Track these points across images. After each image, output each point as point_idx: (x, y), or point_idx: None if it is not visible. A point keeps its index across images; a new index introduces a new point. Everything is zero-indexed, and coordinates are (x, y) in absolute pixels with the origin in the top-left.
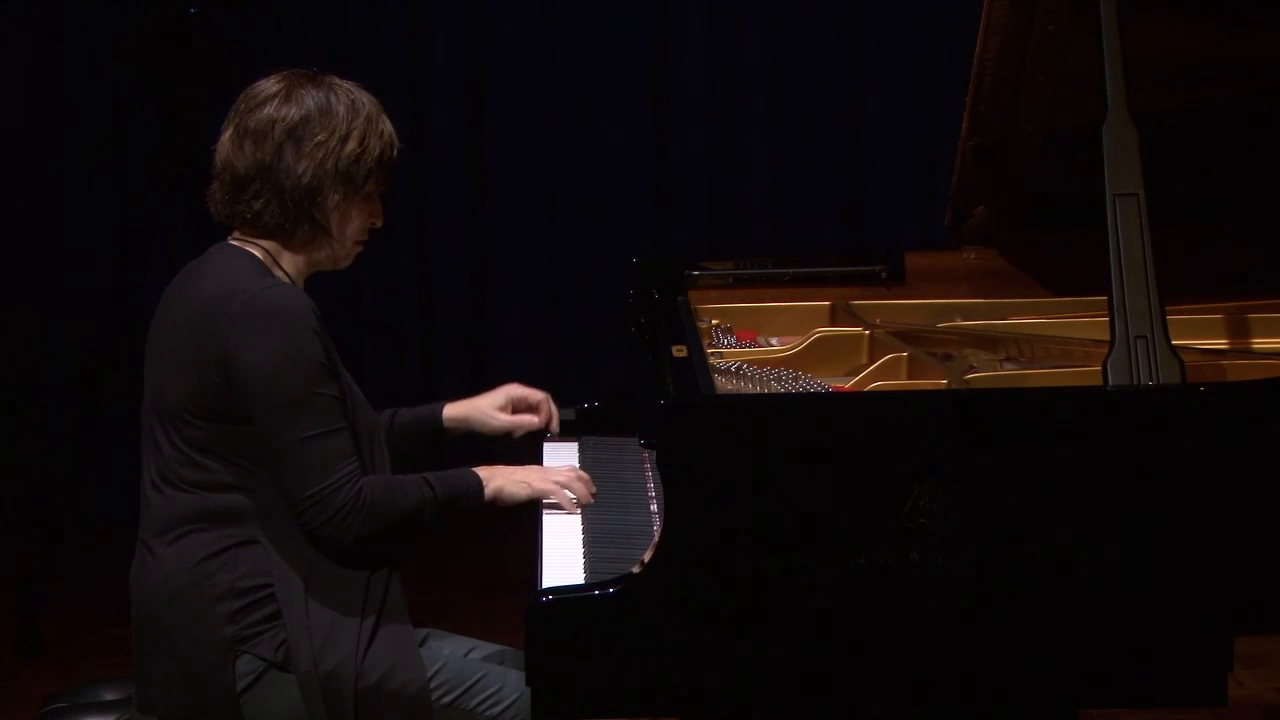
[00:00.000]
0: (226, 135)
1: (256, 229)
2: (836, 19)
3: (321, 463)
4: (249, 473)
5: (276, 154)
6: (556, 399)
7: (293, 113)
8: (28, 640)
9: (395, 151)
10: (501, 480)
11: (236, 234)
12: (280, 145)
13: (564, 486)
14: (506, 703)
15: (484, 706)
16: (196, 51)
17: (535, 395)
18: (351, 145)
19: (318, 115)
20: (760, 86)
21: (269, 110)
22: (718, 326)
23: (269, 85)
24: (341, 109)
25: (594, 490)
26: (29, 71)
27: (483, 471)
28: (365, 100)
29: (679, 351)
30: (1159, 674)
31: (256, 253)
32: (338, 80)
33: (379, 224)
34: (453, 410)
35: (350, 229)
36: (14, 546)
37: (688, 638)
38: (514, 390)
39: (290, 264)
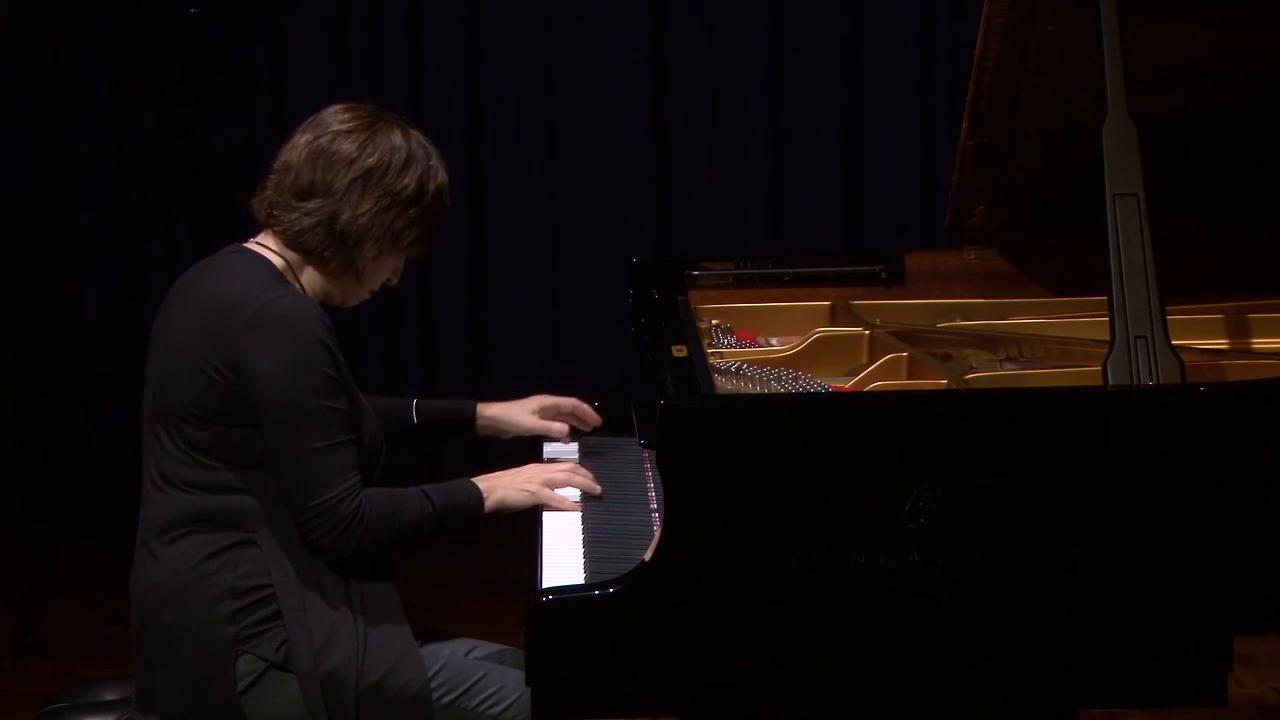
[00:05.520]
0: (301, 140)
1: (292, 241)
2: (836, 19)
3: (325, 475)
4: (252, 475)
5: (347, 186)
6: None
7: (374, 158)
8: (28, 640)
9: (442, 224)
10: (503, 491)
11: (261, 238)
12: (353, 180)
13: (564, 486)
14: (507, 702)
15: (484, 706)
16: (196, 51)
17: (565, 403)
18: (414, 209)
19: (398, 167)
20: (760, 86)
21: (350, 145)
22: (718, 326)
23: (354, 118)
24: (420, 170)
25: (595, 479)
26: (29, 71)
27: (483, 483)
28: (441, 170)
29: (679, 351)
30: (1159, 674)
31: (275, 261)
32: (422, 138)
33: (395, 282)
34: (486, 410)
35: (377, 278)
36: (14, 546)
37: (688, 638)
38: (545, 400)
39: (309, 281)
